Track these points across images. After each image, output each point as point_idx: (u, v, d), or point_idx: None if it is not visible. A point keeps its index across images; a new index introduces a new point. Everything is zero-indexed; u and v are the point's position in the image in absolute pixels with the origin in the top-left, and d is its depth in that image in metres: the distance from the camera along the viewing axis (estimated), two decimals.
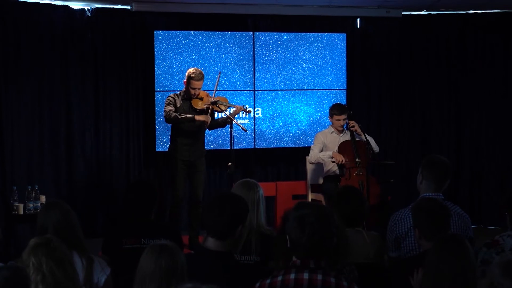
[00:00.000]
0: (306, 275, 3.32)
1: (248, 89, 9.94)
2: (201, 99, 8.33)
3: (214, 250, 3.90)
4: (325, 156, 8.81)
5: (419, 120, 10.68)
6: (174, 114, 8.14)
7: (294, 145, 10.15)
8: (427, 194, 4.87)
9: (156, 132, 9.56)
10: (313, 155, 8.93)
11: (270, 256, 4.84)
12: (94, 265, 3.92)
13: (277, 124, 10.08)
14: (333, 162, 8.74)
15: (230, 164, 8.07)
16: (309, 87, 10.17)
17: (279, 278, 3.37)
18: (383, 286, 4.37)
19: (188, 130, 8.34)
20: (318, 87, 10.20)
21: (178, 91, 8.64)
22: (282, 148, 10.18)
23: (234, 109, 8.41)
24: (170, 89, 9.37)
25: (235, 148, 9.72)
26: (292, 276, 3.34)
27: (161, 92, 9.46)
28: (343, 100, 10.09)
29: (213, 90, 8.37)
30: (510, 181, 10.57)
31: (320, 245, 3.36)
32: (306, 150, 9.91)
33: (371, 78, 10.59)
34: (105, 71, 9.53)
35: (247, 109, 8.50)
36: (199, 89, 8.28)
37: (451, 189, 10.37)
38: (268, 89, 10.03)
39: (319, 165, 9.05)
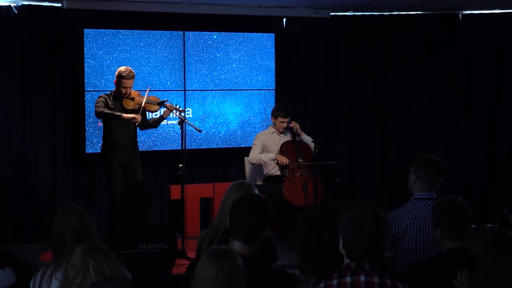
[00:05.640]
0: (362, 278, 3.26)
1: (179, 89, 9.76)
2: (132, 99, 8.16)
3: (242, 254, 3.78)
4: (267, 158, 8.78)
5: (345, 119, 10.78)
6: (101, 109, 7.98)
7: (224, 146, 10.04)
8: (421, 193, 4.85)
9: (86, 133, 9.23)
10: (254, 156, 8.88)
11: (269, 259, 4.78)
12: None
13: (207, 125, 9.93)
14: (277, 164, 8.73)
15: (181, 165, 7.91)
16: (238, 87, 10.08)
17: (334, 281, 3.29)
18: None
19: (119, 131, 8.16)
20: (248, 87, 10.13)
21: (108, 91, 8.47)
22: (212, 149, 10.06)
23: (165, 109, 8.29)
24: (100, 89, 9.09)
25: (164, 149, 9.62)
26: (348, 279, 3.27)
27: (91, 92, 9.16)
28: (271, 100, 10.09)
29: (145, 90, 8.20)
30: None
31: (376, 247, 3.31)
32: (236, 150, 9.90)
33: (298, 78, 10.60)
34: (32, 70, 9.11)
35: (180, 109, 8.39)
36: (130, 88, 8.13)
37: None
38: (199, 89, 9.88)
39: (258, 166, 9.00)
